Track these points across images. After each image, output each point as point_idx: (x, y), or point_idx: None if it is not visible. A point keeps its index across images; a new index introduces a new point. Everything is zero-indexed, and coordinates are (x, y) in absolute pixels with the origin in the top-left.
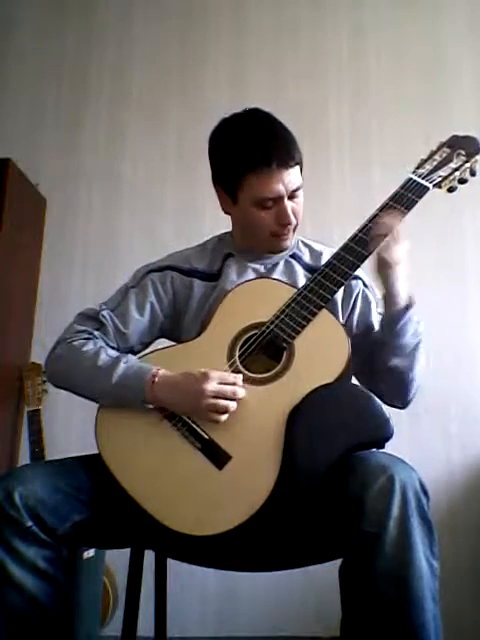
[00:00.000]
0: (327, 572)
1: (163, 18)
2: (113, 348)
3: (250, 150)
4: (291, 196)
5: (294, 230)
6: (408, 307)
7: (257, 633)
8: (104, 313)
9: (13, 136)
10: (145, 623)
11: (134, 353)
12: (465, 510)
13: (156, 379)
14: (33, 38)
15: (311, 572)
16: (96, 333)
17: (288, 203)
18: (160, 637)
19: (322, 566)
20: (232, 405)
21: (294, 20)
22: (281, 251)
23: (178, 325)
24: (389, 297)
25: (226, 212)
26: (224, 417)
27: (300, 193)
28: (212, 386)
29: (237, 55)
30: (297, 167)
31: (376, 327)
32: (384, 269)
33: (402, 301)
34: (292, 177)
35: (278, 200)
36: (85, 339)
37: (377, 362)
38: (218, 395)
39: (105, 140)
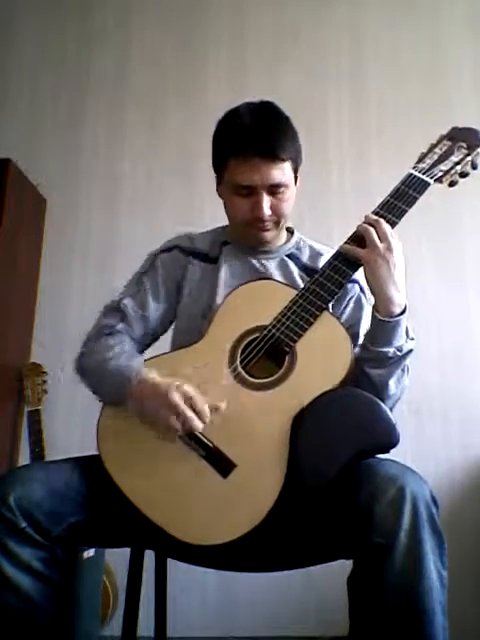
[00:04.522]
0: (327, 572)
1: (163, 18)
2: (136, 337)
3: (239, 134)
4: (272, 191)
5: (277, 225)
6: (393, 316)
7: (257, 633)
8: (125, 301)
9: (13, 136)
10: (145, 623)
11: (158, 335)
12: (466, 510)
13: (139, 377)
14: (33, 38)
15: (311, 572)
16: (119, 327)
17: (266, 197)
18: (160, 637)
19: (322, 566)
20: (177, 426)
21: (294, 20)
22: (260, 242)
23: (179, 303)
24: (374, 296)
25: (219, 195)
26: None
27: (285, 191)
28: (175, 400)
29: (237, 55)
30: (283, 164)
31: (361, 337)
32: (369, 271)
33: (387, 304)
34: (274, 172)
35: (253, 190)
36: (107, 334)
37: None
38: (177, 411)
39: (105, 140)
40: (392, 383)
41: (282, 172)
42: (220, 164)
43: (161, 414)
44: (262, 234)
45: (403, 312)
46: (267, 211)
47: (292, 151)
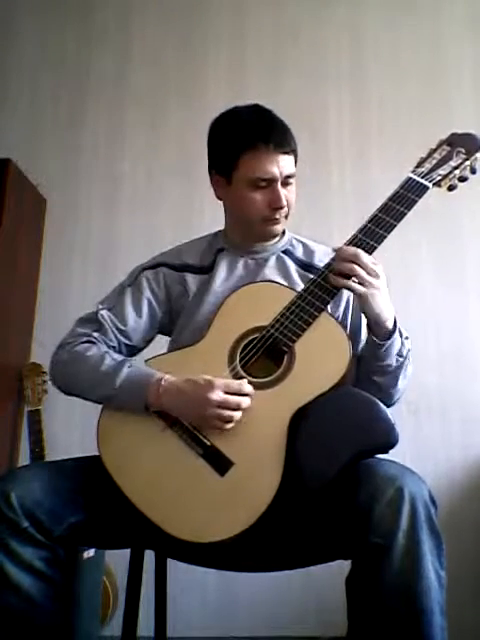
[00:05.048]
0: (327, 572)
1: (163, 18)
2: (113, 347)
3: (249, 130)
4: (284, 183)
5: (286, 218)
6: (390, 333)
7: (257, 633)
8: (102, 313)
9: (13, 136)
10: (145, 623)
11: (136, 350)
12: (465, 510)
13: (162, 382)
14: (33, 38)
15: (311, 572)
16: (95, 335)
17: (280, 188)
18: (160, 637)
19: (322, 566)
20: (237, 415)
21: (294, 21)
22: (272, 237)
23: (173, 321)
24: (370, 324)
25: (219, 198)
26: (229, 426)
27: (293, 182)
28: (217, 396)
29: (237, 55)
30: (292, 156)
31: (364, 331)
32: (359, 300)
33: (383, 326)
34: (287, 163)
35: (271, 182)
36: (86, 342)
37: (359, 373)
38: (222, 405)
39: (105, 140)
40: (399, 381)
41: (291, 163)
42: (229, 163)
43: (208, 412)
44: (275, 228)
45: (395, 323)
46: (284, 203)
47: (295, 143)
